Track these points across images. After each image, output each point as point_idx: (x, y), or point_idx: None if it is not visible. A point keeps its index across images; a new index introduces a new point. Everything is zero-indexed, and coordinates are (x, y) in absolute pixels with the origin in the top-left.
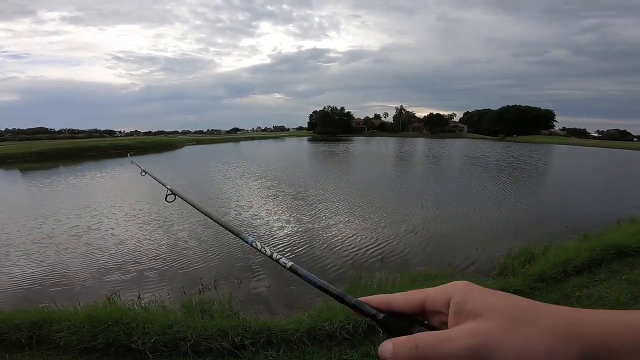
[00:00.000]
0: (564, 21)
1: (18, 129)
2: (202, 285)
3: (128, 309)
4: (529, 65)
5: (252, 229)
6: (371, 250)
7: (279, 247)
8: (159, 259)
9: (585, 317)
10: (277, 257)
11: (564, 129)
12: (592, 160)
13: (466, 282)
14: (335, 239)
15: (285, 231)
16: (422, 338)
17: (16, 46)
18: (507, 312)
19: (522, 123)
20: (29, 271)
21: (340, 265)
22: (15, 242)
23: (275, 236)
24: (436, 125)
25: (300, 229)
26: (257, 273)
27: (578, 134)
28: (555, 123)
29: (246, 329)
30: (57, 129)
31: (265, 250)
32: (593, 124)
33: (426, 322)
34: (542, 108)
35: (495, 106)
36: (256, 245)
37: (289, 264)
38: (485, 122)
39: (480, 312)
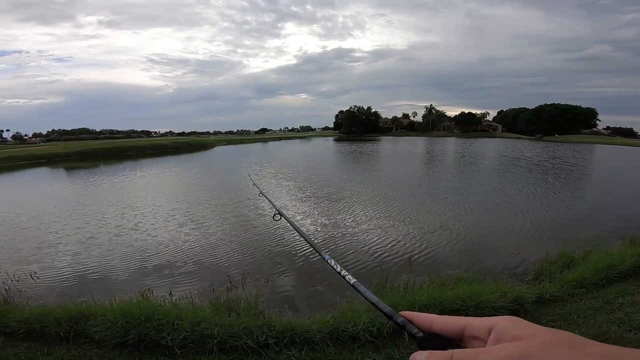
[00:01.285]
0: (603, 16)
1: (63, 129)
2: (230, 283)
3: (160, 305)
4: (564, 62)
5: (285, 230)
6: (400, 252)
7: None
8: (192, 257)
9: (629, 356)
10: (344, 274)
11: (607, 128)
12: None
13: (513, 316)
14: (364, 239)
15: (319, 232)
16: (459, 352)
17: (59, 50)
18: (550, 337)
19: (561, 122)
20: (70, 267)
21: (367, 265)
22: (61, 240)
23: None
24: (468, 125)
25: (331, 229)
26: (283, 273)
27: (624, 134)
28: (598, 122)
29: (271, 328)
30: (98, 130)
31: (336, 267)
32: None
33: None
34: (583, 106)
35: (529, 105)
36: (329, 261)
37: (352, 280)
38: (520, 121)
39: (521, 337)
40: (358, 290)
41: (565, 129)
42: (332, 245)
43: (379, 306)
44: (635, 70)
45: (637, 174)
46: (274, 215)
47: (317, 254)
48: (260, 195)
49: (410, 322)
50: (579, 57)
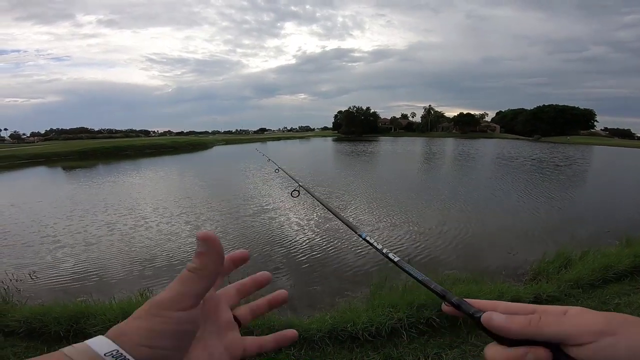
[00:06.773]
0: (602, 17)
1: (61, 128)
2: (229, 282)
3: None
4: (564, 62)
5: (282, 228)
6: (398, 253)
7: (310, 247)
8: (191, 256)
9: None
10: (386, 252)
11: (605, 129)
12: (637, 162)
13: (582, 308)
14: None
15: (315, 233)
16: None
17: (58, 49)
18: (628, 320)
19: (559, 123)
20: (69, 267)
21: (365, 267)
22: (61, 240)
23: (308, 237)
24: (467, 125)
25: (326, 230)
26: (282, 272)
27: (621, 135)
28: (596, 123)
29: (270, 327)
30: (96, 129)
31: (376, 245)
32: (638, 124)
33: None
34: (581, 107)
35: (528, 105)
36: (368, 239)
37: (396, 258)
38: (519, 122)
39: (605, 332)
40: (403, 269)
41: (563, 130)
42: (326, 244)
43: (429, 285)
44: (633, 71)
45: (635, 175)
46: (292, 192)
47: (351, 231)
48: (278, 170)
49: (468, 303)
50: (578, 57)
